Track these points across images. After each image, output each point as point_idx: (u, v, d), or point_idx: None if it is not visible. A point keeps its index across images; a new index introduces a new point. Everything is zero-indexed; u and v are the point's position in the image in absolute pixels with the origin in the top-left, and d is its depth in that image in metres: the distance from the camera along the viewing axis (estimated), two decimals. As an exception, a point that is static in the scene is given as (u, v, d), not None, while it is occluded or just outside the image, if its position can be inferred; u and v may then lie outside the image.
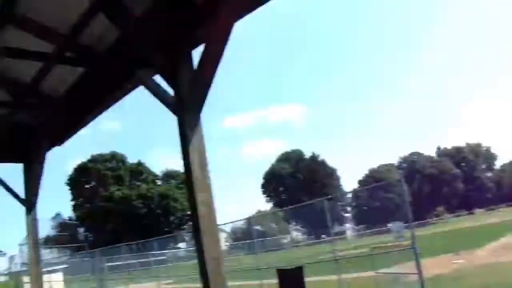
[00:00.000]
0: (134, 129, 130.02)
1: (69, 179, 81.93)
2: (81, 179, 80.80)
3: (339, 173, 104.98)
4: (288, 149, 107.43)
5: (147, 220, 75.46)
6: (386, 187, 68.09)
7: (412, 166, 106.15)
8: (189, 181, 3.94)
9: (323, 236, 55.12)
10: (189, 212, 4.04)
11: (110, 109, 6.14)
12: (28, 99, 7.01)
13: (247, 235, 31.12)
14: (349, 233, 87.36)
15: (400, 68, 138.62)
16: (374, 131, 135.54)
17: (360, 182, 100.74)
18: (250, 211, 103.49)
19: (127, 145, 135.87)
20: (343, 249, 31.20)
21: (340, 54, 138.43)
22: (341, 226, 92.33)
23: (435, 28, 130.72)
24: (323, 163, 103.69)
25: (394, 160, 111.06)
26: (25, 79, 6.55)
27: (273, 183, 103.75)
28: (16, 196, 7.98)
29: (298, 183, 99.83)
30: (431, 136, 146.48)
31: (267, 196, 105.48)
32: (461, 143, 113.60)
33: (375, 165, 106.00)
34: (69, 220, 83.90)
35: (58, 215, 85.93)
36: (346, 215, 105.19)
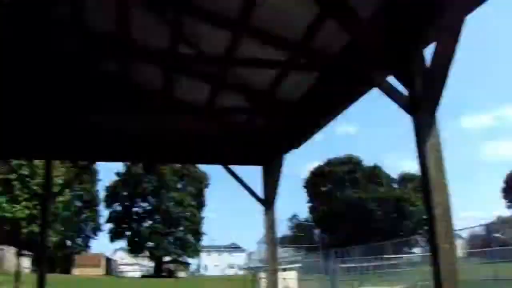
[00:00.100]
0: (369, 131, 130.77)
1: (305, 182, 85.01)
2: (317, 182, 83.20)
3: None
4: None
5: (381, 223, 74.83)
6: None
7: None
8: (425, 182, 3.80)
9: None
10: (425, 217, 3.85)
11: (345, 112, 6.17)
12: (265, 105, 7.38)
13: (485, 243, 28.89)
14: None
15: None
16: None
17: None
18: (488, 217, 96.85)
19: (363, 148, 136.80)
20: None
21: None
22: None
23: None
24: None
25: None
26: (261, 86, 6.90)
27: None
28: (256, 196, 8.46)
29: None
30: None
31: (509, 202, 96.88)
32: None
33: None
34: (305, 221, 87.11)
35: (294, 216, 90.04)
36: None
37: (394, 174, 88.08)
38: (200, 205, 74.04)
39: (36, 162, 32.44)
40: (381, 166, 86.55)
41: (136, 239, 70.96)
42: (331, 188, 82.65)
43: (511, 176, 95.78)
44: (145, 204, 73.37)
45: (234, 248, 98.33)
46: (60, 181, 37.85)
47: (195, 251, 73.57)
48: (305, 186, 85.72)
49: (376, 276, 32.56)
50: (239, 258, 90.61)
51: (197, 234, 73.11)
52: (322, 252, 42.99)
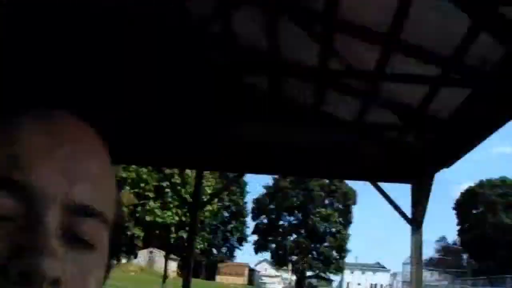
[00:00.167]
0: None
1: (456, 203, 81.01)
2: (468, 204, 78.95)
3: None
4: None
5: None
6: None
7: None
8: None
9: None
10: None
11: (500, 131, 5.87)
12: (415, 122, 7.23)
13: None
14: None
15: None
16: None
17: None
18: None
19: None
20: None
21: None
22: None
23: None
24: None
25: None
26: (412, 103, 6.77)
27: None
28: (404, 215, 8.25)
29: None
30: None
31: None
32: None
33: None
34: (453, 244, 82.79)
35: (442, 238, 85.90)
36: None
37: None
38: (347, 221, 73.44)
39: (188, 171, 34.29)
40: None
41: (280, 252, 72.07)
42: (483, 211, 77.93)
43: None
44: (291, 218, 74.33)
45: (378, 267, 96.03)
46: (209, 191, 39.74)
47: (338, 268, 73.12)
48: (455, 208, 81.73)
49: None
50: (382, 278, 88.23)
51: (342, 251, 72.59)
52: (470, 278, 40.55)
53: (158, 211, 53.51)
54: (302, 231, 72.28)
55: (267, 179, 75.79)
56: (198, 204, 9.40)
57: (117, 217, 0.63)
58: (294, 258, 70.99)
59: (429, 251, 79.20)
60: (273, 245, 74.02)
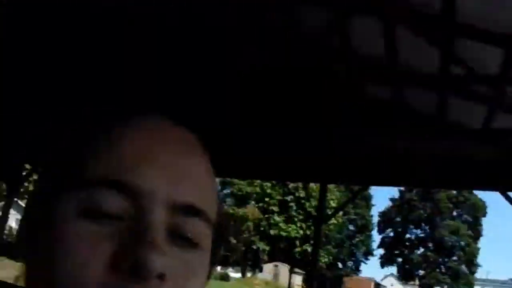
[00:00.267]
0: None
1: None
2: None
3: None
4: None
5: None
6: None
7: None
8: None
9: None
10: None
11: None
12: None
13: None
14: None
15: None
16: None
17: None
18: None
19: None
20: None
21: None
22: None
23: None
24: None
25: None
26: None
27: None
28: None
29: None
30: None
31: None
32: None
33: None
34: None
35: None
36: None
37: None
38: (476, 234, 69.73)
39: (312, 185, 34.39)
40: None
41: (407, 266, 69.88)
42: None
43: None
44: (418, 231, 71.95)
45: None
46: (334, 204, 39.53)
47: (468, 284, 69.40)
48: None
49: None
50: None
51: (471, 266, 68.91)
52: None
53: (282, 225, 54.15)
54: (430, 245, 69.61)
55: (393, 191, 74.03)
56: (322, 218, 9.38)
57: (219, 217, 0.65)
58: (421, 272, 68.46)
59: None
60: (400, 259, 71.93)
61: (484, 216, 70.04)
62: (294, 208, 51.15)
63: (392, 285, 78.48)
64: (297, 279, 56.07)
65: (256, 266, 62.77)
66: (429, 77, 6.76)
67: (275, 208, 54.72)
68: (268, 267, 60.29)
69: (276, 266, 59.36)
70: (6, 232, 14.56)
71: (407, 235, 72.25)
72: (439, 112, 7.47)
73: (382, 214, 73.52)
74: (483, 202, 69.25)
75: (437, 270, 67.68)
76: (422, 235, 71.22)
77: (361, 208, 68.75)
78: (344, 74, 6.96)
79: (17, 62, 7.42)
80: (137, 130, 0.60)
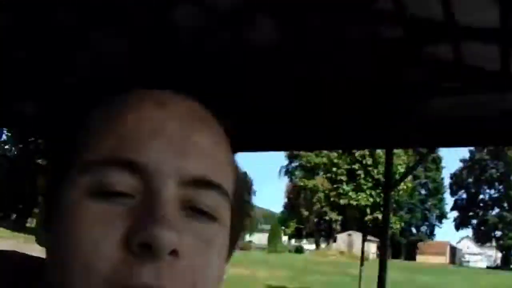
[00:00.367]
0: None
1: None
2: None
3: None
4: None
5: None
6: None
7: None
8: None
9: None
10: None
11: None
12: None
13: None
14: None
15: None
16: None
17: None
18: None
19: None
20: None
21: None
22: None
23: None
24: None
25: None
26: None
27: None
28: None
29: None
30: None
31: None
32: None
33: None
34: None
35: None
36: None
37: None
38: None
39: (379, 151, 34.09)
40: None
41: (483, 227, 68.31)
42: None
43: None
44: (491, 191, 70.06)
45: None
46: (402, 170, 38.95)
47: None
48: None
49: None
50: None
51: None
52: None
53: (352, 194, 54.00)
54: (505, 204, 67.66)
55: (464, 152, 72.28)
56: (390, 184, 9.34)
57: (238, 190, 0.64)
58: (498, 233, 66.74)
59: None
60: (474, 221, 70.41)
61: None
62: (362, 176, 50.79)
63: (468, 247, 77.00)
64: (372, 247, 55.87)
65: (330, 237, 62.99)
66: (490, 31, 6.62)
67: (343, 178, 54.56)
68: (341, 237, 60.33)
69: (349, 235, 59.34)
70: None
71: (481, 196, 70.57)
72: (502, 67, 7.31)
73: (454, 176, 72.01)
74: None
75: (515, 230, 65.88)
76: (496, 195, 69.34)
77: (431, 171, 67.51)
78: (398, 37, 6.90)
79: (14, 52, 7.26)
80: (139, 104, 0.59)
